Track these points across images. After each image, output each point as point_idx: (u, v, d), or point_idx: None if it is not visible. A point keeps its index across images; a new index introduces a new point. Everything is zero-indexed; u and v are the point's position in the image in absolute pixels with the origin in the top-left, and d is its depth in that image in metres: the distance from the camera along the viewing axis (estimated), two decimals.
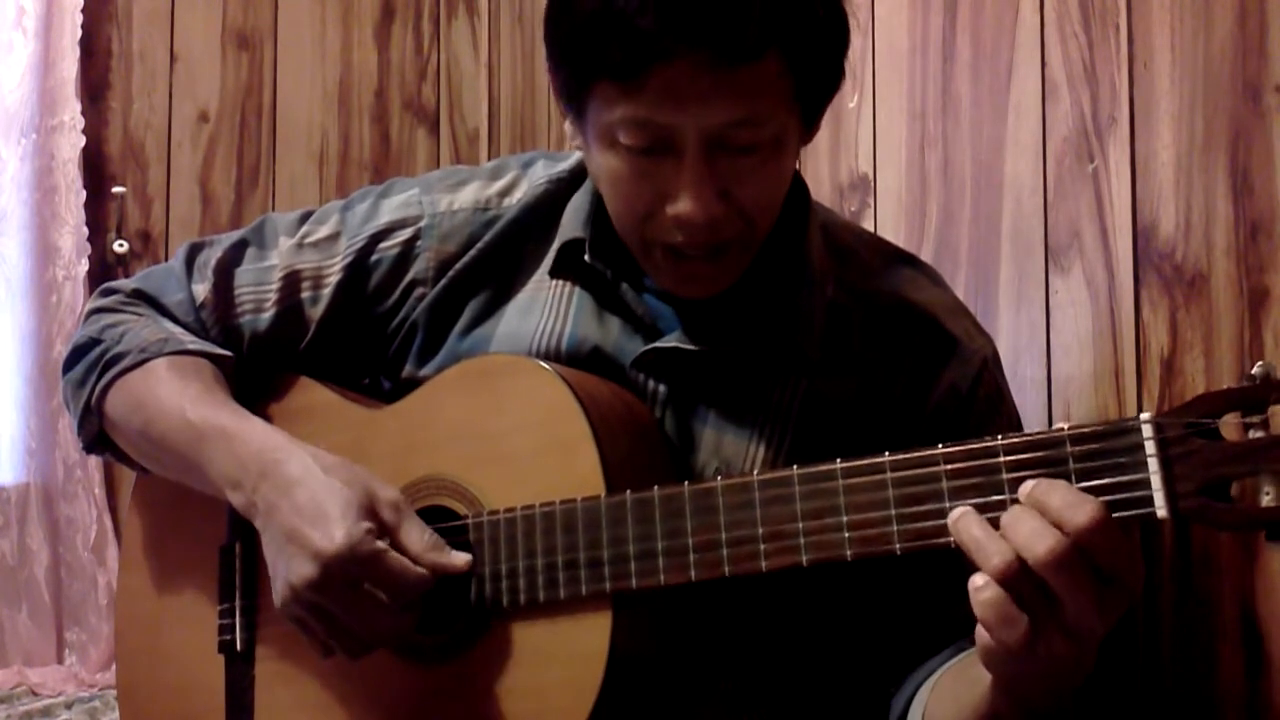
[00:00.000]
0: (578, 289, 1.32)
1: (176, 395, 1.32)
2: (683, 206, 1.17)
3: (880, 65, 1.88)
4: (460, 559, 1.21)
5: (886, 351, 1.29)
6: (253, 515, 1.25)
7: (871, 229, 1.81)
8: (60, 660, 2.47)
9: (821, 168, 1.96)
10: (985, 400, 1.30)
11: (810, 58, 1.17)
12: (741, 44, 1.12)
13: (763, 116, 1.16)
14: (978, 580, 0.98)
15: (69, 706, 2.29)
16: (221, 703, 1.36)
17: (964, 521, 0.99)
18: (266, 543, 1.23)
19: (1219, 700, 1.39)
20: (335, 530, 1.16)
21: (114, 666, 1.53)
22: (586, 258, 1.30)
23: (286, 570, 1.19)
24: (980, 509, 1.00)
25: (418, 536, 1.20)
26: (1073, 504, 0.95)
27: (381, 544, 1.17)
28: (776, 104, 1.17)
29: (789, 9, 1.14)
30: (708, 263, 1.22)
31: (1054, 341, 1.59)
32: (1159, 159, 1.47)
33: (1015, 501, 0.98)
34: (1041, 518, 0.96)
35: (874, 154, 1.88)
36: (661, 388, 1.28)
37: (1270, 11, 1.35)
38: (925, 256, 1.59)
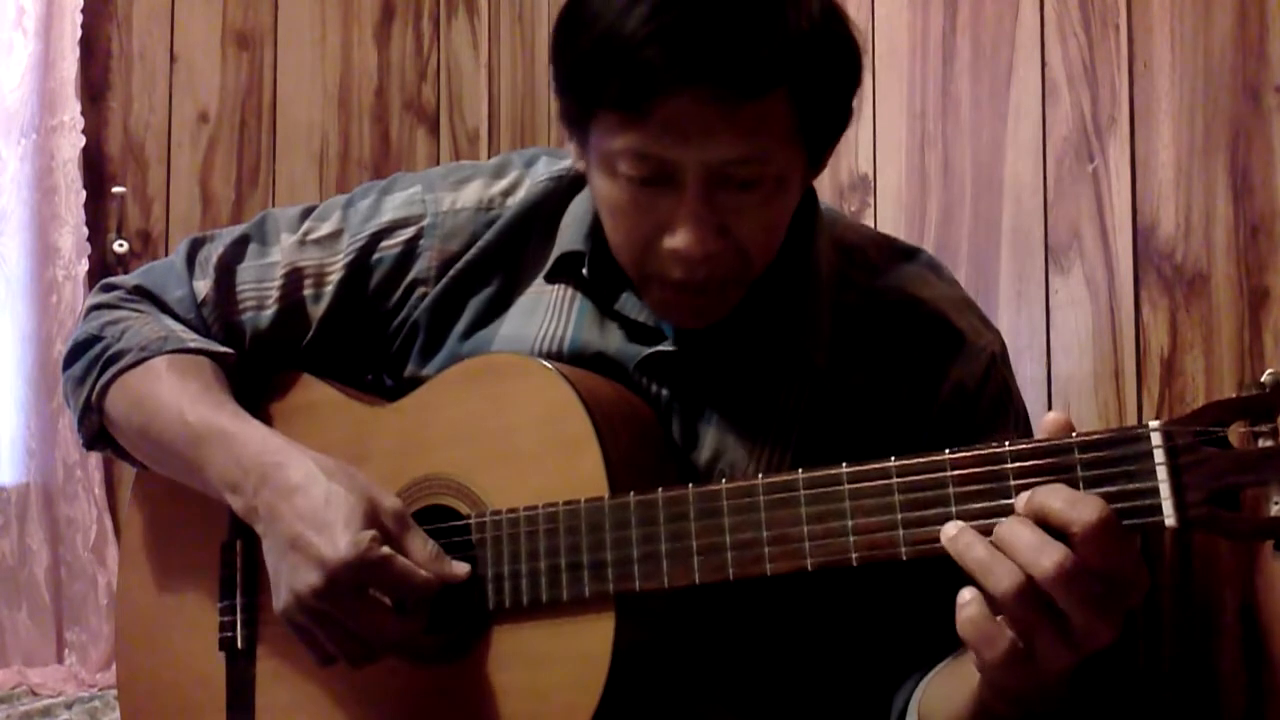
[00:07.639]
0: (579, 295, 1.32)
1: (175, 394, 1.31)
2: (680, 240, 1.16)
3: (880, 65, 1.88)
4: (461, 569, 1.20)
5: (893, 349, 1.28)
6: (253, 520, 1.24)
7: None
8: (60, 660, 2.46)
9: None
10: (992, 398, 1.28)
11: (819, 98, 1.15)
12: (749, 80, 1.10)
13: (766, 154, 1.14)
14: (965, 595, 0.97)
15: (69, 706, 2.28)
16: (222, 700, 1.36)
17: (964, 540, 0.97)
18: (268, 548, 1.22)
19: (1219, 699, 1.40)
20: (340, 537, 1.16)
21: (114, 666, 1.53)
22: (585, 272, 1.30)
23: (290, 578, 1.18)
24: (986, 514, 0.99)
25: (420, 547, 1.19)
26: (1075, 501, 0.94)
27: (387, 549, 1.17)
28: (781, 142, 1.15)
29: (800, 48, 1.12)
30: (700, 296, 1.21)
31: (1054, 341, 1.59)
32: (1159, 159, 1.47)
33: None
34: (1040, 531, 0.94)
35: (874, 154, 1.88)
36: (665, 391, 1.27)
37: (1270, 12, 1.36)
38: None
